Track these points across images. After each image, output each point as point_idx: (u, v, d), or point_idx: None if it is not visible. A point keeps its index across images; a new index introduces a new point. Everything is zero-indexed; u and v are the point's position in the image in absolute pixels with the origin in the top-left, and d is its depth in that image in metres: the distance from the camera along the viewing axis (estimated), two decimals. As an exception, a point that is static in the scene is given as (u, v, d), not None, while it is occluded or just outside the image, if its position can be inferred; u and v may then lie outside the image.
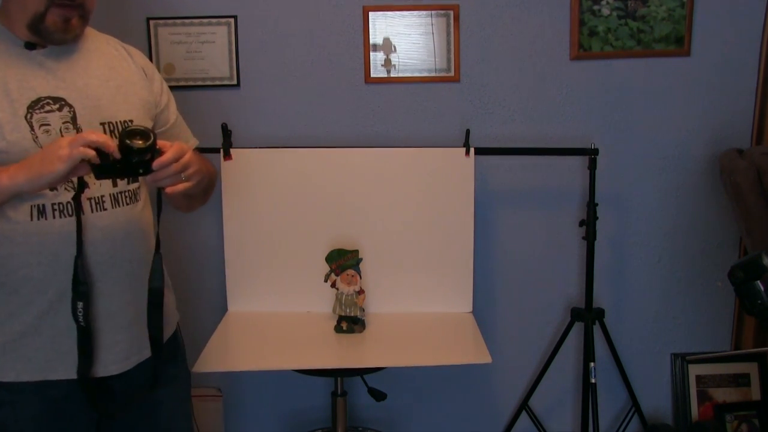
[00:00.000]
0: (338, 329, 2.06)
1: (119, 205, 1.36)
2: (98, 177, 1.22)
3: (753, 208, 2.12)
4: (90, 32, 1.42)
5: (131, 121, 1.38)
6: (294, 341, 2.01)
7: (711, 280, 2.42)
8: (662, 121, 2.32)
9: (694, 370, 2.43)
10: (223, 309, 2.23)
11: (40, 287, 1.30)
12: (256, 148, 2.18)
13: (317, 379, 2.36)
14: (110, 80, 1.38)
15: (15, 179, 1.18)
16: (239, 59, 2.24)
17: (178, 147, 1.23)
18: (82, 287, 1.27)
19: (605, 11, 2.23)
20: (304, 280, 2.17)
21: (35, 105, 1.26)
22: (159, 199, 1.34)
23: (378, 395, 2.08)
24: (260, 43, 2.25)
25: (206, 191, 1.54)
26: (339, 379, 2.12)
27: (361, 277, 2.08)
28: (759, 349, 2.41)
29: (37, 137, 1.25)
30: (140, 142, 1.18)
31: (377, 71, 2.25)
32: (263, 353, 1.95)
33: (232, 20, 2.22)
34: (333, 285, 2.09)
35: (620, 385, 2.39)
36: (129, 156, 1.18)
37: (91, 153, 1.15)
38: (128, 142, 1.17)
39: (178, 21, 2.20)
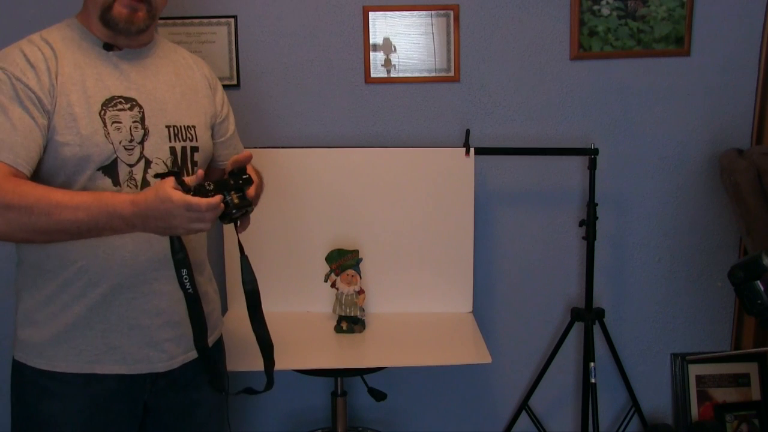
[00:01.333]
0: (338, 329, 2.06)
1: None
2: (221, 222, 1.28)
3: (753, 208, 2.12)
4: (161, 40, 1.49)
5: (194, 126, 1.44)
6: (294, 341, 2.01)
7: (711, 280, 2.42)
8: (662, 121, 2.32)
9: (694, 370, 2.43)
10: (223, 309, 2.23)
11: (94, 280, 1.33)
12: (256, 148, 2.18)
13: (317, 379, 2.36)
14: (176, 86, 1.45)
15: (131, 224, 1.22)
16: (239, 59, 2.24)
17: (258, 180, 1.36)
18: (179, 255, 1.30)
19: (605, 11, 2.23)
20: (304, 280, 2.17)
21: (109, 103, 1.32)
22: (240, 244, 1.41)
23: (378, 395, 2.08)
24: (260, 43, 2.25)
25: None
26: (339, 379, 2.12)
27: (361, 277, 2.08)
28: (759, 349, 2.41)
29: (108, 133, 1.31)
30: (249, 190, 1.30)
31: (377, 71, 2.25)
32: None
33: (232, 20, 2.22)
34: (333, 285, 2.09)
35: (620, 385, 2.39)
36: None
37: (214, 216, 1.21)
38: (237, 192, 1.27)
39: (178, 21, 2.20)
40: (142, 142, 1.35)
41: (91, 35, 1.36)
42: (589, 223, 2.19)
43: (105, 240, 1.31)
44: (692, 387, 2.43)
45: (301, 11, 2.23)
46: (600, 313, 2.28)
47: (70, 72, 1.31)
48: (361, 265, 2.10)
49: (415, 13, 2.22)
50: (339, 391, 2.12)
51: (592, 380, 2.20)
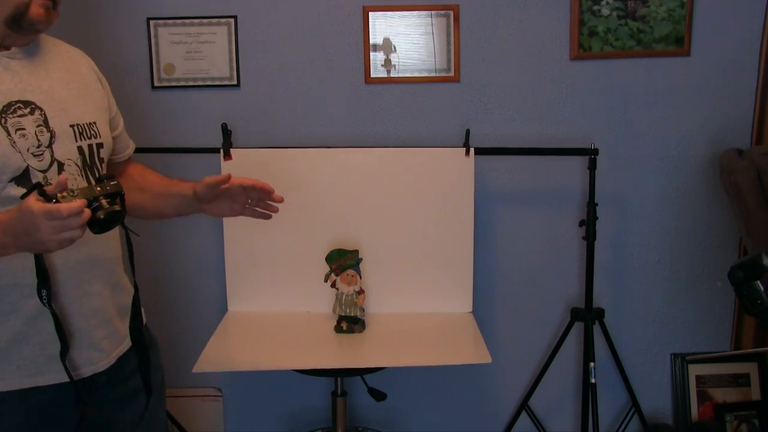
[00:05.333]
0: (338, 329, 2.06)
1: None
2: (97, 232, 1.19)
3: (753, 208, 2.12)
4: (41, 36, 1.40)
5: (95, 122, 1.38)
6: (294, 341, 2.01)
7: (711, 280, 2.42)
8: (662, 121, 2.32)
9: (694, 370, 2.43)
10: (223, 309, 2.23)
11: (26, 293, 1.27)
12: (256, 148, 2.18)
13: (317, 379, 2.36)
14: (70, 83, 1.37)
15: (3, 244, 1.16)
16: (239, 59, 2.24)
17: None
18: (42, 274, 1.23)
19: (605, 11, 2.23)
20: (304, 280, 2.17)
21: (8, 109, 1.24)
22: (129, 242, 1.33)
23: (378, 395, 2.08)
24: (260, 43, 2.25)
25: None
26: (339, 379, 2.12)
27: (361, 277, 2.08)
28: (759, 349, 2.41)
29: (14, 142, 1.23)
30: (114, 183, 1.19)
31: (377, 71, 2.25)
32: (263, 353, 1.95)
33: (232, 20, 2.22)
34: (333, 285, 2.09)
35: (620, 385, 2.39)
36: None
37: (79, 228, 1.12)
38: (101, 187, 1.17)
39: (178, 21, 2.20)
40: (50, 146, 1.28)
41: None
42: (589, 223, 2.19)
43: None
44: (692, 387, 2.43)
45: (301, 11, 2.23)
46: (600, 313, 2.28)
47: None
48: (361, 265, 2.10)
49: (415, 13, 2.22)
50: (339, 391, 2.12)
51: (592, 380, 2.20)
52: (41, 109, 1.28)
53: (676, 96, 2.30)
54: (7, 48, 1.28)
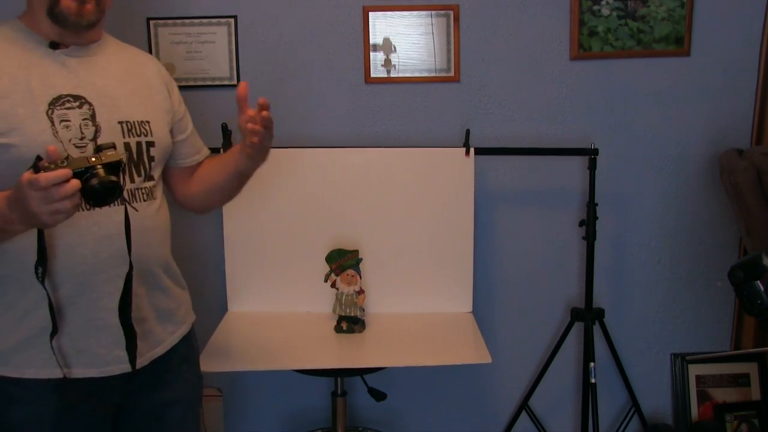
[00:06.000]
0: (338, 329, 2.06)
1: (136, 201, 1.39)
2: (94, 204, 1.17)
3: (753, 208, 2.12)
4: (110, 39, 1.48)
5: (148, 122, 1.43)
6: (294, 341, 2.01)
7: (711, 280, 2.42)
8: (662, 121, 2.32)
9: (694, 370, 2.43)
10: (223, 309, 2.23)
11: (56, 282, 1.30)
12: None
13: (317, 379, 2.36)
14: (127, 83, 1.43)
15: (10, 219, 1.18)
16: (239, 59, 2.24)
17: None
18: (41, 252, 1.25)
19: (605, 11, 2.23)
20: (304, 280, 2.17)
21: (56, 102, 1.31)
22: (126, 217, 1.33)
23: (378, 395, 2.08)
24: (260, 43, 2.25)
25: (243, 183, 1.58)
26: (339, 379, 2.12)
27: (361, 277, 2.08)
28: (759, 349, 2.41)
29: (57, 132, 1.29)
30: (111, 152, 1.17)
31: (377, 71, 2.25)
32: (263, 353, 1.95)
33: (232, 20, 2.22)
34: (333, 285, 2.09)
35: (620, 385, 2.39)
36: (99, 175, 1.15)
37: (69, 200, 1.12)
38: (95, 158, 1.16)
39: (178, 21, 2.20)
40: (94, 139, 1.33)
41: (37, 35, 1.34)
42: (589, 223, 2.19)
43: (63, 239, 1.29)
44: (692, 387, 2.43)
45: (301, 11, 2.23)
46: (600, 313, 2.28)
47: (14, 72, 1.29)
48: (361, 265, 2.10)
49: (415, 13, 2.22)
50: (339, 391, 2.12)
51: (592, 380, 2.20)
52: (90, 104, 1.34)
53: (676, 96, 2.30)
54: (67, 46, 1.36)
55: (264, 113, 1.37)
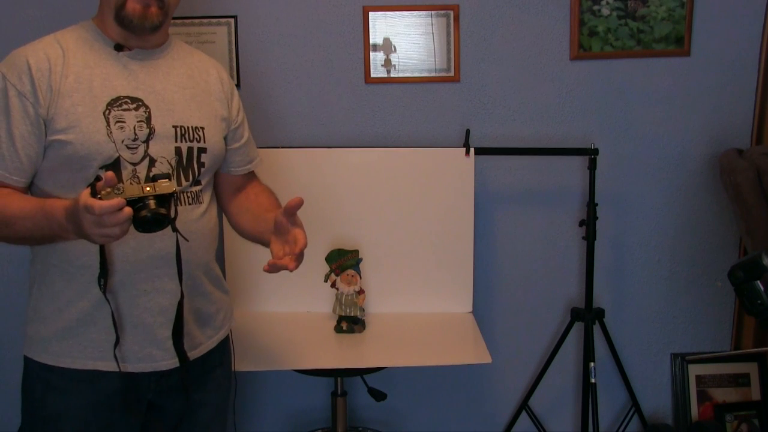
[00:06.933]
0: (338, 329, 2.06)
1: (181, 204, 1.41)
2: (142, 231, 1.20)
3: (753, 208, 2.12)
4: (177, 43, 1.52)
5: (203, 128, 1.44)
6: (294, 341, 2.01)
7: (711, 280, 2.42)
8: (662, 121, 2.32)
9: (694, 370, 2.43)
10: (223, 309, 2.23)
11: (97, 276, 1.33)
12: (256, 148, 2.18)
13: (317, 379, 2.36)
14: (187, 88, 1.46)
15: (66, 229, 1.21)
16: (239, 59, 2.24)
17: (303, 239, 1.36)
18: (103, 263, 1.31)
19: (605, 11, 2.23)
20: (304, 280, 2.17)
21: (114, 102, 1.34)
22: (177, 246, 1.35)
23: (378, 395, 2.08)
24: (260, 43, 2.25)
25: None
26: (339, 379, 2.12)
27: (361, 277, 2.08)
28: (759, 349, 2.41)
29: (111, 132, 1.32)
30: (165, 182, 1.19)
31: (377, 71, 2.25)
32: (263, 353, 1.95)
33: (232, 20, 2.22)
34: (333, 285, 2.09)
35: (620, 385, 2.39)
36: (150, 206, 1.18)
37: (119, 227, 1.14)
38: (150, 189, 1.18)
39: (178, 21, 2.20)
40: (147, 141, 1.36)
41: (104, 37, 1.39)
42: (589, 223, 2.19)
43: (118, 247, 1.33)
44: (692, 387, 2.43)
45: (301, 11, 2.23)
46: (600, 313, 2.28)
47: (79, 72, 1.33)
48: (361, 265, 2.10)
49: (415, 13, 2.22)
50: (339, 391, 2.12)
51: (592, 380, 2.20)
52: (147, 107, 1.37)
53: (676, 96, 2.30)
54: (130, 49, 1.40)
55: (297, 251, 1.37)
